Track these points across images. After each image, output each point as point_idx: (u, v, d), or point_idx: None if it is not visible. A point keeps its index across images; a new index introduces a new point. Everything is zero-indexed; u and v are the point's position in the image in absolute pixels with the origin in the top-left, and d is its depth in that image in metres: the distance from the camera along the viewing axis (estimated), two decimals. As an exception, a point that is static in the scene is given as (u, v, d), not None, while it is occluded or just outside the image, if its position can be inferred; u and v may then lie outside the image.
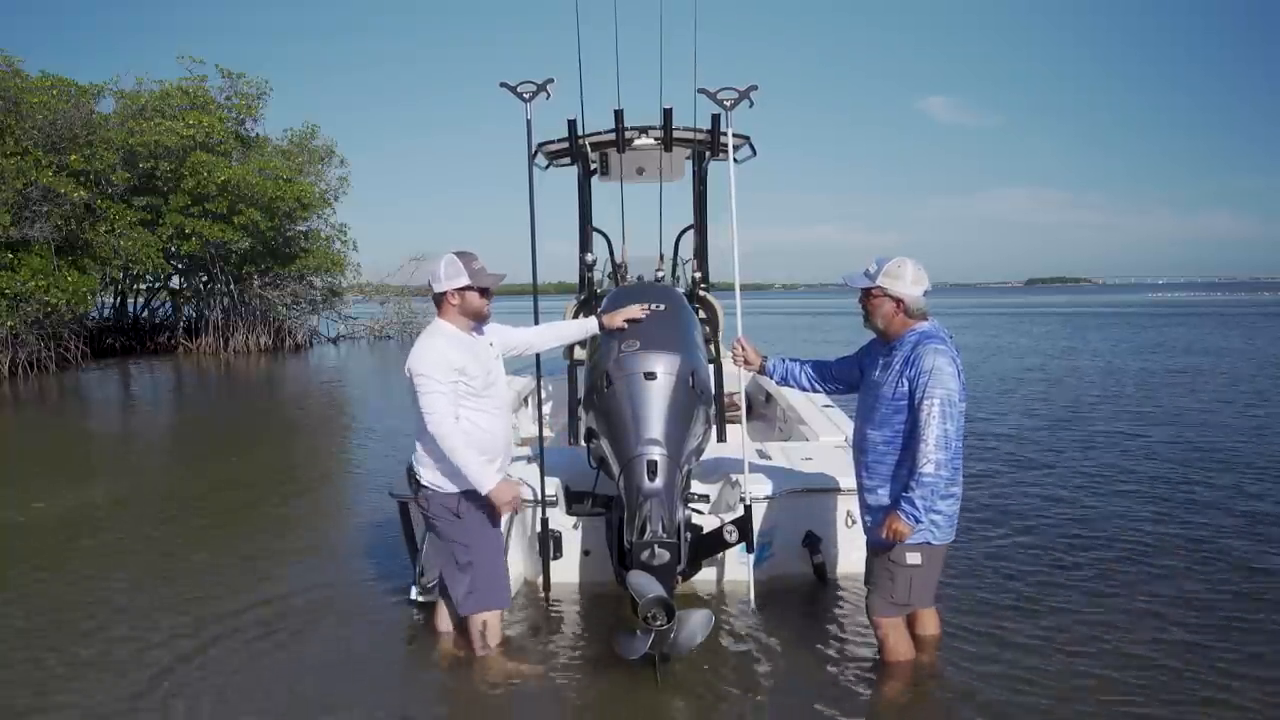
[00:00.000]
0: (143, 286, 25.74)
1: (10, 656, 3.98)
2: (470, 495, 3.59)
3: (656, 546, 3.51)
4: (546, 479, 4.31)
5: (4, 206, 16.66)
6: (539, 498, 4.28)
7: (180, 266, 24.24)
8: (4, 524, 6.40)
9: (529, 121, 4.74)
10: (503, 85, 4.95)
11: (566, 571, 4.46)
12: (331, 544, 5.83)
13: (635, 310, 4.05)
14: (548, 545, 4.31)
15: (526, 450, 4.88)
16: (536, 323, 4.30)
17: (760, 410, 7.41)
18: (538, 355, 4.48)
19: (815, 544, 4.48)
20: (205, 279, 24.40)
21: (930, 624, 3.83)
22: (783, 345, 22.43)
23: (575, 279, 6.05)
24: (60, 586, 4.93)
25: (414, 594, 4.31)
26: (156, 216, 21.21)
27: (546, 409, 5.66)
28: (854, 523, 4.34)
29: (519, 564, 4.54)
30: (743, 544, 4.07)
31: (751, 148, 6.04)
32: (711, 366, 4.71)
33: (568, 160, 6.25)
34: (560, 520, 4.38)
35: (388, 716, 3.42)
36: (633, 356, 3.83)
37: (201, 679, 3.71)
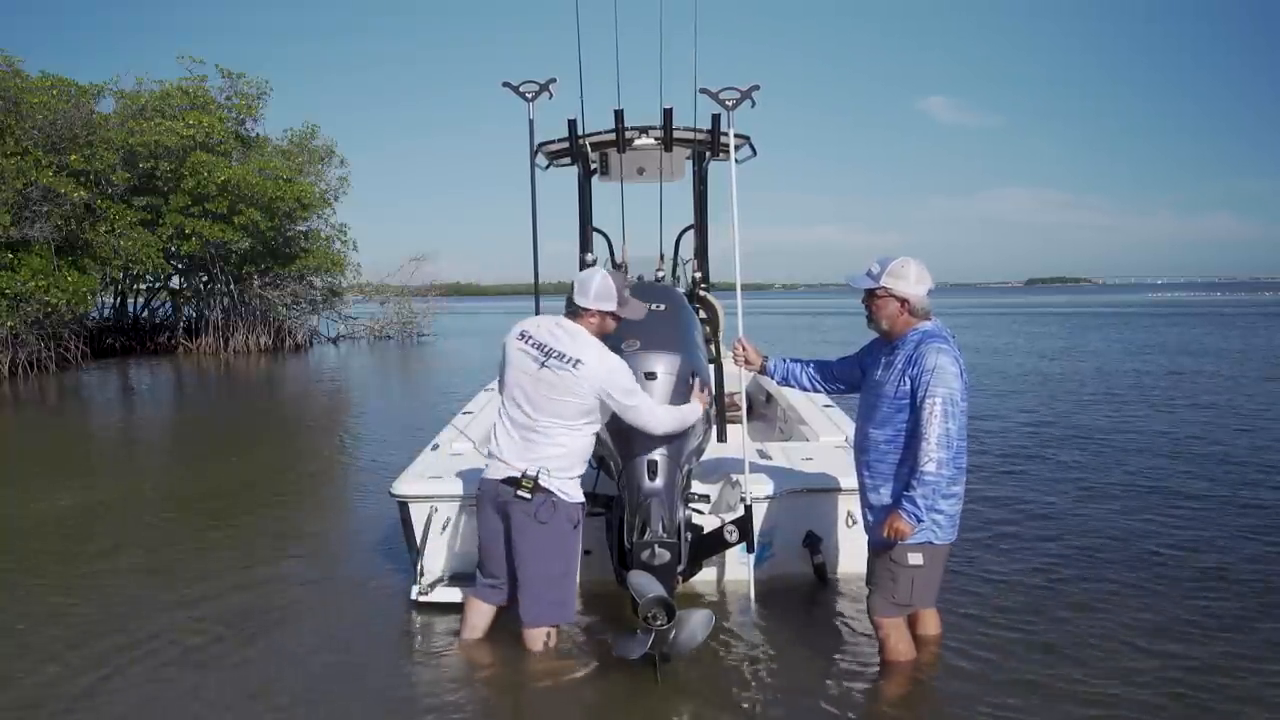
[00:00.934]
0: (143, 286, 25.74)
1: (10, 657, 3.98)
2: (582, 509, 3.67)
3: (657, 546, 3.51)
4: None
5: (4, 206, 16.65)
6: None
7: (180, 266, 24.24)
8: (4, 524, 6.40)
9: (531, 121, 4.74)
10: (505, 85, 4.95)
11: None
12: (331, 544, 5.84)
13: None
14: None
15: None
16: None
17: (761, 410, 7.41)
18: None
19: (816, 544, 4.48)
20: (205, 279, 24.40)
21: (931, 624, 3.83)
22: (782, 345, 22.43)
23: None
24: (60, 587, 4.92)
25: (414, 594, 4.31)
26: (156, 216, 21.20)
27: None
28: (854, 523, 4.34)
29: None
30: (743, 544, 4.07)
31: (752, 148, 6.04)
32: (712, 366, 4.71)
33: (568, 160, 6.25)
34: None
35: (388, 716, 3.42)
36: (633, 356, 3.83)
37: (200, 679, 3.71)
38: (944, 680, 3.58)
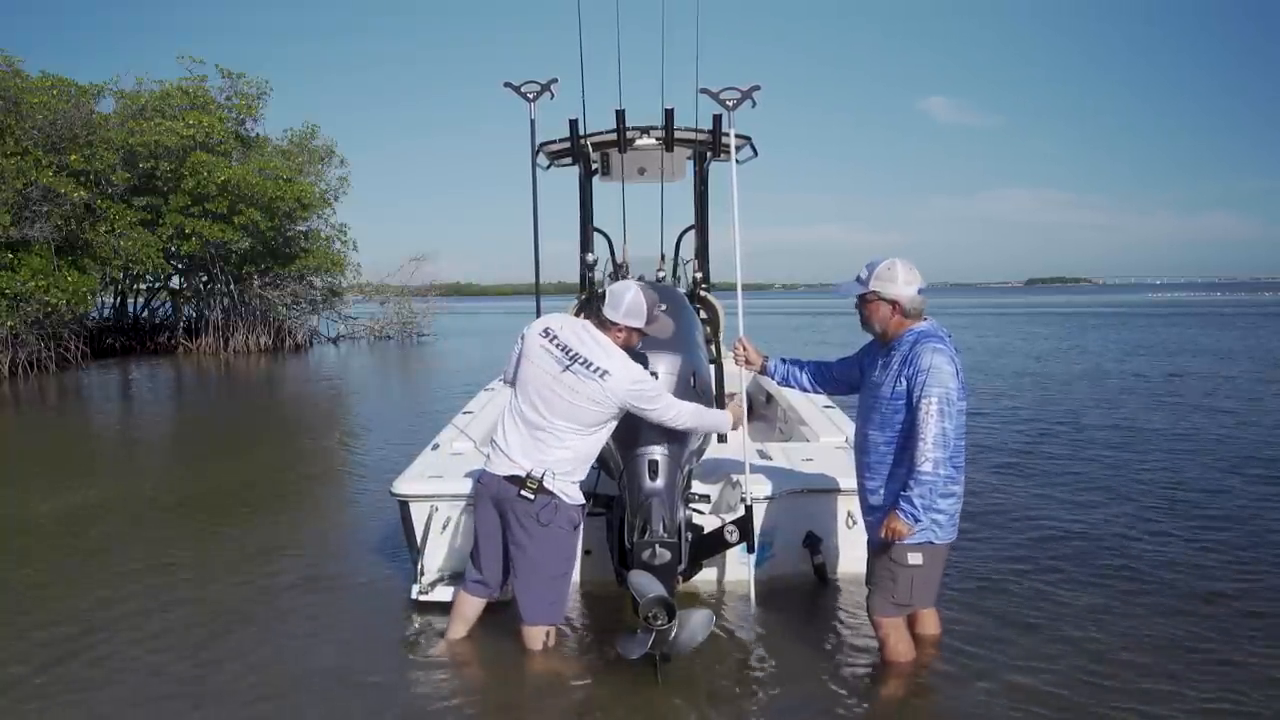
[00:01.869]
0: (143, 286, 25.71)
1: (10, 657, 3.98)
2: (582, 511, 3.70)
3: (657, 546, 3.52)
4: None
5: (4, 206, 16.64)
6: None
7: (180, 266, 24.22)
8: (4, 524, 6.40)
9: (533, 121, 4.75)
10: (507, 85, 4.95)
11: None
12: (331, 544, 5.83)
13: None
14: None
15: None
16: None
17: (761, 410, 7.41)
18: None
19: (816, 544, 4.48)
20: (205, 279, 24.39)
21: (931, 624, 3.83)
22: (781, 345, 22.44)
23: (576, 279, 6.06)
24: (59, 587, 4.93)
25: (414, 593, 4.31)
26: (156, 216, 21.19)
27: None
28: (855, 523, 4.34)
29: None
30: (743, 544, 4.08)
31: (753, 148, 6.04)
32: (712, 366, 4.71)
33: (569, 160, 6.25)
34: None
35: (388, 716, 3.42)
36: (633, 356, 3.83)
37: (199, 679, 3.71)
38: (944, 680, 3.59)
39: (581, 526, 3.74)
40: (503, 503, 3.61)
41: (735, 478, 4.43)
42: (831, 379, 3.98)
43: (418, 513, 4.44)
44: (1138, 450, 8.28)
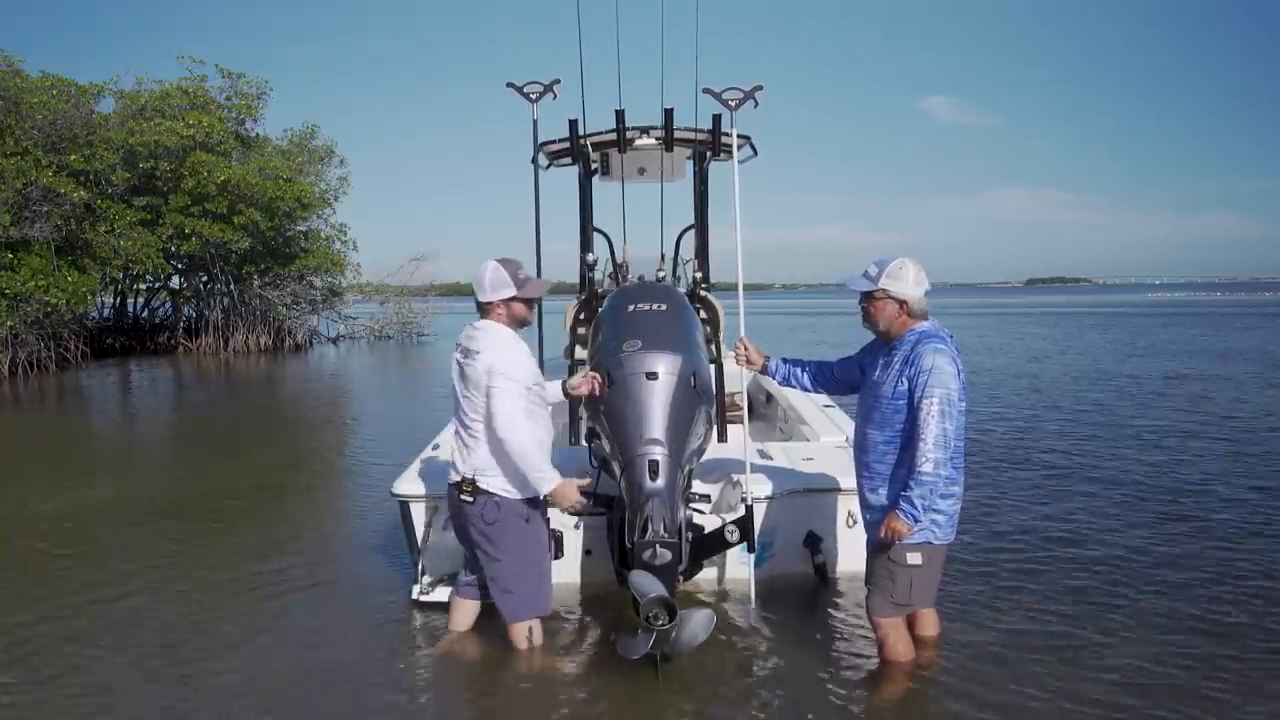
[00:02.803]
0: (143, 286, 25.72)
1: (10, 658, 3.98)
2: (535, 501, 3.69)
3: (658, 546, 3.51)
4: None
5: (4, 206, 16.65)
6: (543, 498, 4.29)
7: (180, 266, 24.22)
8: (4, 524, 6.40)
9: (535, 122, 4.75)
10: (509, 85, 4.95)
11: (568, 571, 4.46)
12: (331, 543, 5.84)
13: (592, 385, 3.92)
14: (549, 545, 4.32)
15: None
16: (540, 322, 4.30)
17: (761, 410, 7.41)
18: (540, 354, 4.48)
19: (816, 544, 4.48)
20: (205, 279, 24.39)
21: (930, 624, 3.83)
22: (780, 345, 22.43)
23: (576, 279, 6.06)
24: (59, 586, 4.92)
25: (414, 593, 4.32)
26: (156, 216, 21.20)
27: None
28: (855, 523, 4.34)
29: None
30: (744, 544, 4.08)
31: (752, 148, 6.04)
32: (713, 366, 4.71)
33: (569, 160, 6.25)
34: (561, 520, 4.38)
35: (388, 716, 3.42)
36: (634, 356, 3.84)
37: (199, 680, 3.71)
38: (943, 680, 3.59)
39: (538, 519, 3.75)
40: (458, 514, 3.74)
41: (736, 477, 4.43)
42: (832, 379, 3.98)
43: (418, 513, 4.45)
44: (1137, 449, 8.27)
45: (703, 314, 5.24)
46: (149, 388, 17.14)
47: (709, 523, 4.18)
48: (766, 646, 3.92)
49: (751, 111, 4.61)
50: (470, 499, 3.63)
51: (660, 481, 3.62)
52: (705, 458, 4.35)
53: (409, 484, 4.50)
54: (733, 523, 4.06)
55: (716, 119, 5.21)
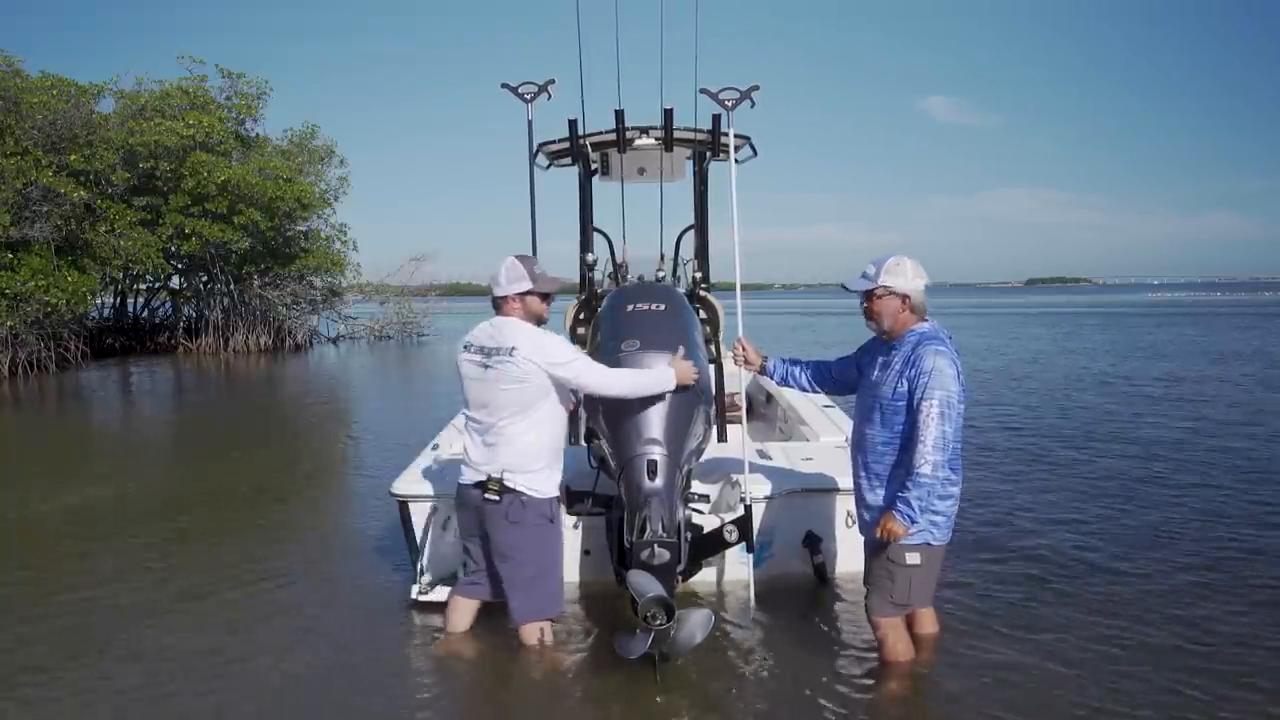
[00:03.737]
0: (143, 286, 25.70)
1: (10, 658, 3.98)
2: (557, 502, 3.73)
3: (657, 546, 3.52)
4: None
5: (4, 206, 16.64)
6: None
7: (180, 266, 24.21)
8: (4, 524, 6.40)
9: (530, 122, 4.74)
10: (504, 86, 4.94)
11: (567, 571, 4.45)
12: (331, 544, 5.84)
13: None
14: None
15: None
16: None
17: (760, 410, 7.41)
18: None
19: (815, 544, 4.49)
20: (205, 279, 24.39)
21: (929, 623, 3.84)
22: (780, 345, 22.43)
23: (576, 279, 6.05)
24: (59, 586, 4.92)
25: (414, 593, 4.32)
26: (156, 216, 21.18)
27: None
28: (854, 523, 4.34)
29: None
30: (743, 544, 4.08)
31: (752, 148, 6.04)
32: (712, 366, 4.71)
33: (568, 160, 6.25)
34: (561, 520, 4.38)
35: (387, 716, 3.42)
36: (633, 356, 3.84)
37: (198, 680, 3.71)
38: (942, 679, 3.59)
39: (559, 519, 3.78)
40: (478, 510, 3.71)
41: (735, 477, 4.43)
42: (830, 379, 3.99)
43: (417, 513, 4.45)
44: (1136, 449, 8.27)
45: (702, 314, 5.24)
46: (149, 388, 17.15)
47: (708, 522, 4.18)
48: (765, 647, 3.92)
49: (751, 111, 4.61)
50: (496, 498, 3.60)
51: (659, 481, 3.62)
52: (704, 458, 4.35)
53: (409, 484, 4.51)
54: (732, 523, 4.06)
55: (716, 119, 5.21)
